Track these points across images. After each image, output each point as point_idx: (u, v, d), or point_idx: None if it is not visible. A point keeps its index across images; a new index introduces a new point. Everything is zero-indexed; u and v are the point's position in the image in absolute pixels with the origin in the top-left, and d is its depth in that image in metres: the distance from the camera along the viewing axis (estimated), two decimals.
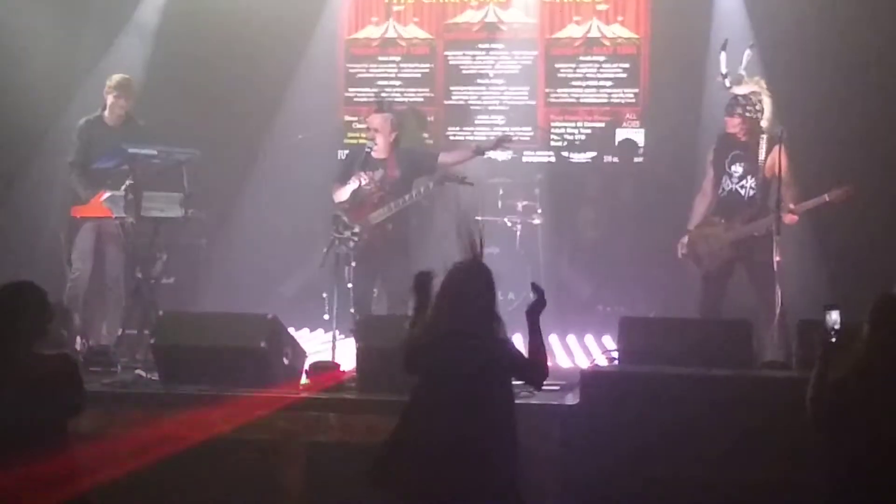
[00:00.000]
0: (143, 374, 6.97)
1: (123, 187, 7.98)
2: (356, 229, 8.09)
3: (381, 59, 10.73)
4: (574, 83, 10.44)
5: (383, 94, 9.70)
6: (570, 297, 9.36)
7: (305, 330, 8.98)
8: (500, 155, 10.24)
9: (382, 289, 8.44)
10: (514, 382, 5.12)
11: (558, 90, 10.45)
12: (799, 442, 5.70)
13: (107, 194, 8.14)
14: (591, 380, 6.38)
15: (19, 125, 9.67)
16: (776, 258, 7.41)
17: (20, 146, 9.72)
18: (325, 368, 6.89)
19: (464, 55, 10.62)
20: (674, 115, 9.80)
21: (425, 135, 10.23)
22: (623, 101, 10.33)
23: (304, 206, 9.57)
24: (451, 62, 10.64)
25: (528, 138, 10.45)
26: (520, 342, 5.41)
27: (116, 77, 8.69)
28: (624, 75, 10.33)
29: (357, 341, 6.85)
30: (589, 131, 10.39)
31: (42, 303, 4.84)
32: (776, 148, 7.77)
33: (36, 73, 9.72)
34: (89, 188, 8.35)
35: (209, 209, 9.10)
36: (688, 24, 9.81)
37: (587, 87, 10.41)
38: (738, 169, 8.09)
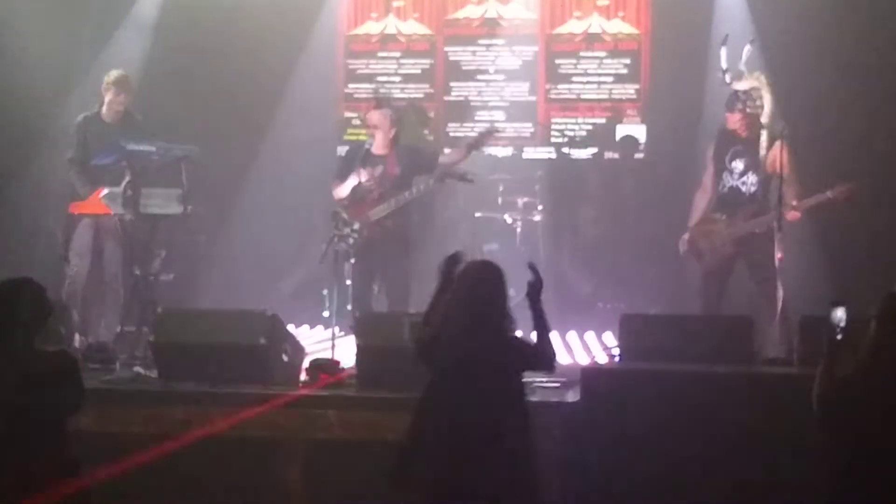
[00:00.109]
0: (142, 371, 6.95)
1: (123, 184, 7.96)
2: (356, 226, 8.07)
3: (380, 54, 10.69)
4: (575, 79, 10.41)
5: (381, 90, 9.68)
6: (571, 294, 9.34)
7: (305, 327, 8.97)
8: (500, 151, 10.24)
9: (382, 286, 8.42)
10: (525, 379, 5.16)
11: (559, 86, 10.43)
12: (800, 439, 5.69)
13: (105, 191, 8.12)
14: (591, 377, 6.37)
15: (17, 122, 9.64)
16: (778, 255, 7.39)
17: (18, 142, 9.69)
18: (325, 366, 6.87)
19: (464, 51, 10.59)
20: (675, 112, 9.77)
21: (425, 131, 10.20)
22: (624, 97, 10.30)
23: (304, 202, 9.56)
24: (451, 58, 10.62)
25: (528, 134, 10.43)
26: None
27: (115, 73, 8.66)
28: (625, 71, 10.30)
29: (357, 338, 6.83)
30: (590, 127, 10.36)
31: (41, 298, 4.83)
32: (777, 144, 7.75)
33: (34, 69, 9.68)
34: (88, 185, 8.33)
35: (208, 205, 9.09)
36: (689, 20, 9.78)
37: (588, 82, 10.38)
38: (738, 165, 8.07)
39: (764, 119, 7.99)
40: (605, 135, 10.30)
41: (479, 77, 10.55)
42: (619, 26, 10.30)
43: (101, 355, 7.29)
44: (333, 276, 7.83)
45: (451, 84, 10.60)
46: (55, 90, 9.72)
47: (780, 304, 7.28)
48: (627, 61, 10.30)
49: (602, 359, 7.28)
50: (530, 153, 10.40)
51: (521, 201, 9.67)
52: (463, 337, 4.97)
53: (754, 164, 7.99)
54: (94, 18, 10.21)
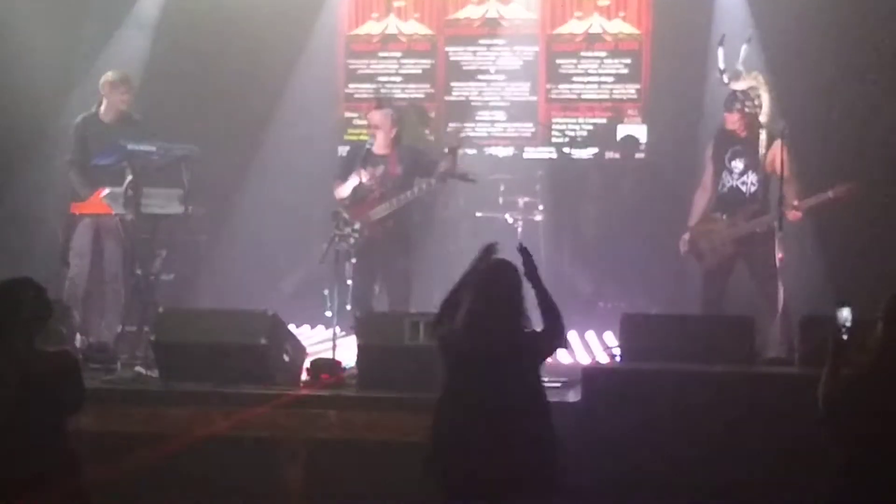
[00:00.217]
0: (143, 371, 6.95)
1: (124, 184, 7.95)
2: (357, 226, 8.08)
3: (381, 55, 10.70)
4: (575, 79, 10.41)
5: (383, 91, 9.67)
6: (572, 294, 9.32)
7: (306, 327, 8.97)
8: (501, 151, 10.25)
9: (383, 286, 8.42)
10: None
11: (560, 86, 10.43)
12: (801, 438, 5.69)
13: (106, 191, 8.11)
14: (592, 377, 6.37)
15: (18, 121, 9.64)
16: (778, 255, 7.39)
17: (19, 142, 9.69)
18: (326, 366, 6.87)
19: (465, 51, 10.60)
20: (676, 111, 9.77)
21: (426, 131, 10.20)
22: (625, 96, 10.30)
23: (305, 202, 9.56)
24: (451, 58, 10.62)
25: (529, 134, 10.43)
26: None
27: (114, 73, 8.66)
28: (625, 71, 10.30)
29: (358, 338, 6.83)
30: (590, 127, 10.36)
31: (41, 298, 4.82)
32: (776, 143, 7.75)
33: (35, 69, 9.68)
34: (88, 187, 8.32)
35: (209, 205, 9.08)
36: (689, 20, 9.78)
37: (588, 82, 10.38)
38: (738, 165, 8.07)
39: (763, 118, 7.99)
40: (605, 135, 10.30)
41: (480, 77, 10.55)
42: (620, 26, 10.30)
43: (102, 355, 7.29)
44: (334, 275, 7.83)
45: (452, 84, 10.60)
46: (56, 90, 9.72)
47: (780, 303, 7.28)
48: (628, 61, 10.30)
49: (603, 358, 7.27)
50: (531, 153, 10.41)
51: (521, 201, 9.67)
52: (482, 335, 5.05)
53: (754, 164, 7.99)
54: (94, 18, 10.20)
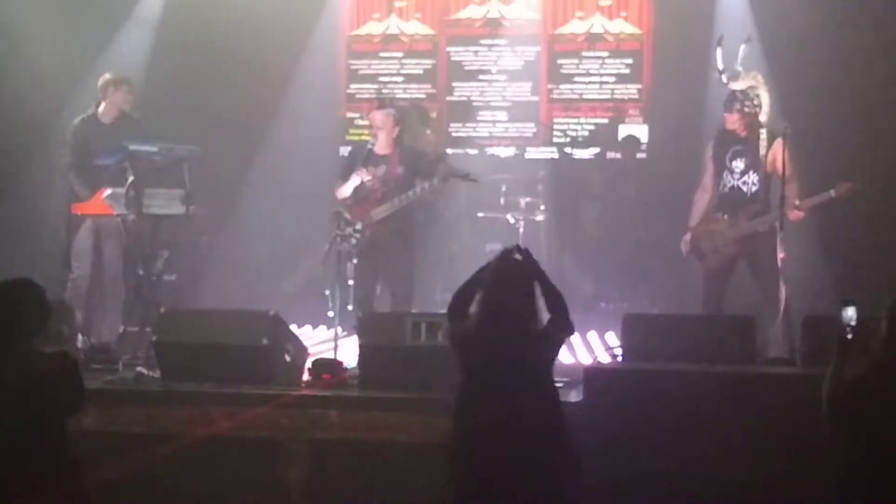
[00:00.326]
0: (145, 371, 6.95)
1: (126, 184, 7.96)
2: (358, 226, 8.08)
3: (382, 55, 10.70)
4: (577, 79, 10.41)
5: (384, 91, 9.67)
6: (574, 294, 9.25)
7: (308, 327, 8.97)
8: (502, 151, 10.24)
9: (385, 286, 8.42)
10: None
11: (561, 86, 10.43)
12: (803, 439, 5.69)
13: (108, 191, 8.12)
14: (594, 377, 6.37)
15: (20, 121, 9.64)
16: (780, 254, 7.39)
17: (21, 142, 9.69)
18: (328, 366, 6.87)
19: (466, 51, 10.60)
20: (677, 111, 9.77)
21: (428, 131, 10.21)
22: (626, 96, 10.30)
23: (306, 202, 9.55)
24: (453, 58, 10.62)
25: (530, 135, 10.43)
26: None
27: (115, 73, 8.66)
28: (627, 71, 10.30)
29: (359, 338, 6.82)
30: (592, 127, 10.37)
31: (40, 299, 4.81)
32: (777, 142, 7.75)
33: (37, 69, 9.69)
34: (88, 189, 8.31)
35: (211, 206, 9.07)
36: (691, 20, 9.79)
37: (590, 83, 10.38)
38: (739, 164, 8.06)
39: (763, 118, 7.98)
40: (607, 135, 10.30)
41: (482, 77, 10.56)
42: (622, 26, 10.31)
43: (104, 356, 7.29)
44: (336, 276, 7.83)
45: (454, 84, 10.61)
46: (58, 90, 9.73)
47: (782, 303, 7.27)
48: (629, 61, 10.30)
49: (605, 358, 7.27)
50: (533, 153, 10.41)
51: (523, 201, 9.67)
52: (495, 338, 5.05)
53: (755, 164, 7.98)
54: (96, 18, 10.20)
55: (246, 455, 6.40)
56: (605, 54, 10.35)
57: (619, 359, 6.76)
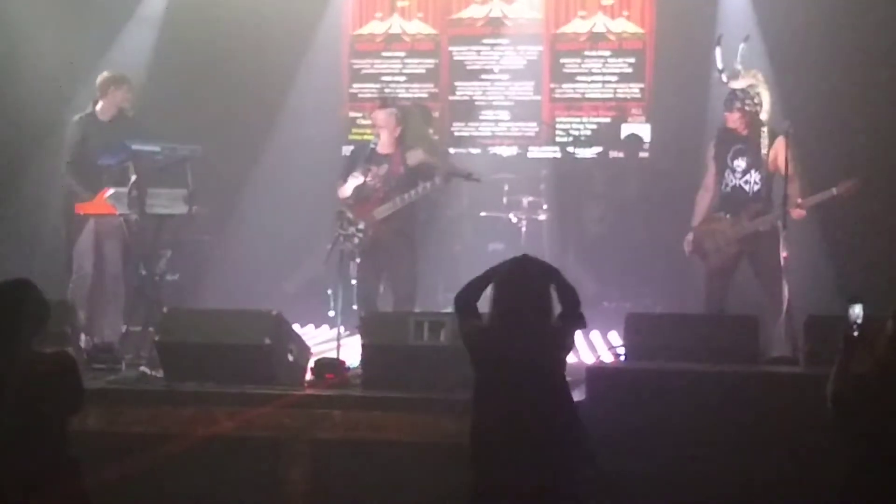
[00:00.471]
0: (148, 371, 6.94)
1: (129, 184, 7.96)
2: (361, 225, 8.08)
3: (385, 54, 10.71)
4: (579, 78, 10.41)
5: (387, 90, 9.67)
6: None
7: (310, 326, 8.97)
8: (505, 151, 10.25)
9: (388, 285, 8.42)
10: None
11: (563, 85, 10.43)
12: (806, 437, 5.69)
13: (111, 191, 8.12)
14: (596, 376, 6.36)
15: (22, 121, 9.65)
16: (783, 253, 7.38)
17: (23, 142, 9.69)
18: (330, 365, 6.86)
19: (468, 50, 10.61)
20: (679, 110, 9.77)
21: (430, 130, 10.21)
22: (628, 96, 10.30)
23: (309, 202, 9.56)
24: (455, 57, 10.62)
25: (533, 134, 10.43)
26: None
27: (114, 72, 8.66)
28: (629, 70, 10.30)
29: (362, 338, 6.82)
30: (594, 126, 10.37)
31: (40, 300, 4.80)
32: (778, 141, 7.74)
33: (39, 69, 9.69)
34: (88, 190, 8.30)
35: (213, 205, 9.08)
36: (693, 19, 9.79)
37: (592, 82, 10.39)
38: (741, 163, 8.05)
39: (763, 116, 7.98)
40: (609, 134, 10.31)
41: (484, 76, 10.57)
42: (624, 25, 10.31)
43: (107, 355, 7.28)
44: (338, 275, 7.83)
45: (456, 84, 10.61)
46: (60, 90, 9.72)
47: (785, 302, 7.27)
48: (632, 60, 10.30)
49: (607, 358, 7.26)
50: (535, 152, 10.42)
51: (525, 200, 9.67)
52: (512, 335, 5.03)
53: (756, 163, 7.98)
54: (99, 17, 10.20)
55: (248, 455, 6.40)
56: (607, 53, 10.35)
57: (622, 358, 6.76)
